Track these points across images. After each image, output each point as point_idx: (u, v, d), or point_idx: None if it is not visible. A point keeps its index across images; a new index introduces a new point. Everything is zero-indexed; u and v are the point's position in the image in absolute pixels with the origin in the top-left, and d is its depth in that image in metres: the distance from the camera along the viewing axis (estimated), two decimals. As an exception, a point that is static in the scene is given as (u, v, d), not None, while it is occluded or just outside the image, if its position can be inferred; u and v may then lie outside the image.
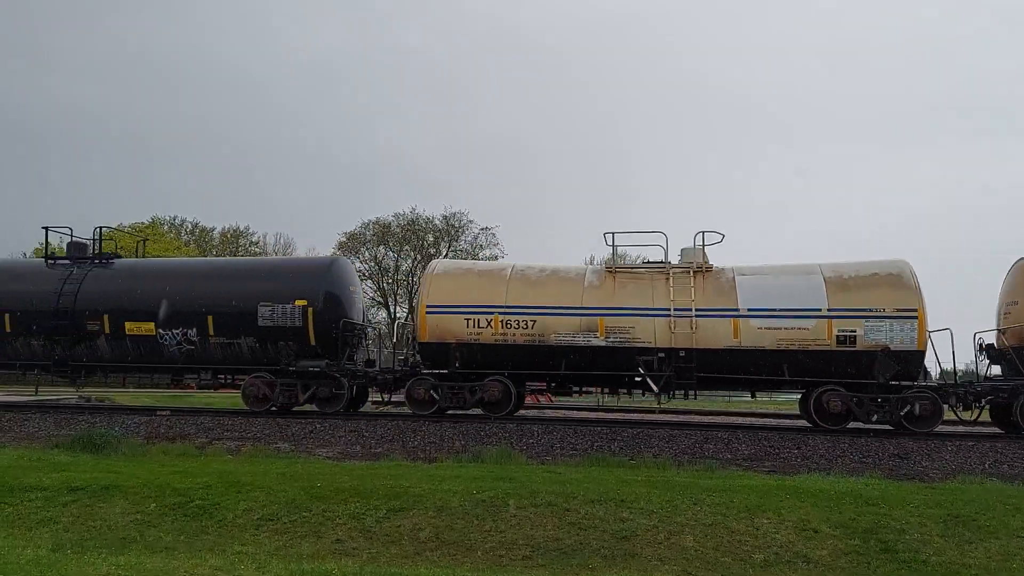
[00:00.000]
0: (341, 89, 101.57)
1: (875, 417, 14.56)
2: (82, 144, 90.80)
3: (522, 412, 19.74)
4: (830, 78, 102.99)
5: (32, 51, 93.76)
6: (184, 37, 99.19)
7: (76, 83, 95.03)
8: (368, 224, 50.27)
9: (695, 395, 16.08)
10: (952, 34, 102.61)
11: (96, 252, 18.56)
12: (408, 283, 48.77)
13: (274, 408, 16.39)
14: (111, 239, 19.92)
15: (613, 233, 15.98)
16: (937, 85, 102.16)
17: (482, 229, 50.26)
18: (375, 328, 18.16)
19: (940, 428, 16.15)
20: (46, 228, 19.03)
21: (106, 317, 16.92)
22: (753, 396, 18.21)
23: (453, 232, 50.31)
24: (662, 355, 14.98)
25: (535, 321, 15.42)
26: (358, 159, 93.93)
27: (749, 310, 14.85)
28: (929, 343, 14.57)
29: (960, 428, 16.01)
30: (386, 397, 17.12)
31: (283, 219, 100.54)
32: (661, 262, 15.92)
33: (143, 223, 48.56)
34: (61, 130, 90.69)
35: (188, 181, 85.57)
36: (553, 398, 23.84)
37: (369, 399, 18.64)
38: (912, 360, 14.46)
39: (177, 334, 16.65)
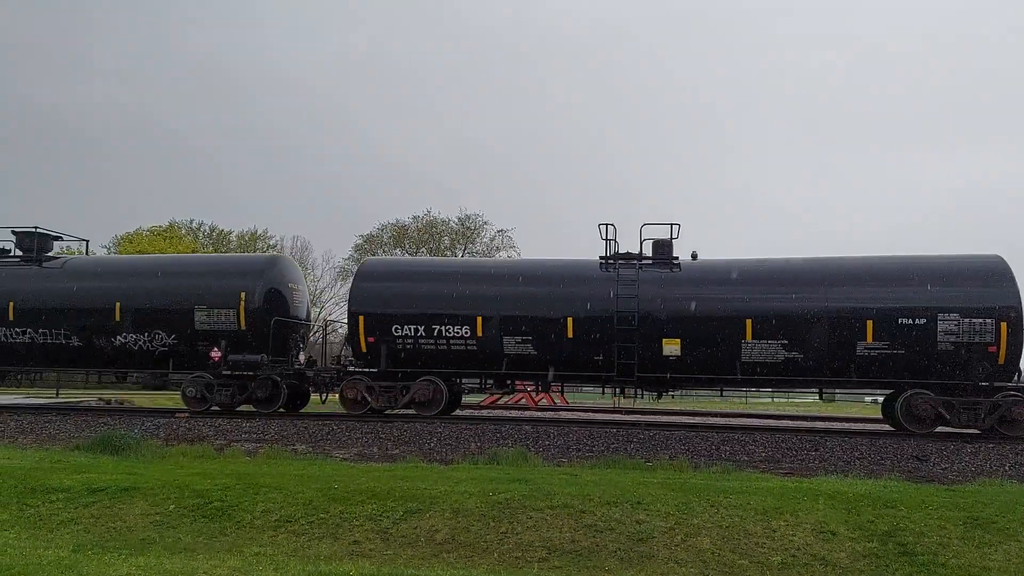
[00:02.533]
0: (350, 93, 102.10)
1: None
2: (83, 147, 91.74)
3: (538, 414, 19.76)
4: (847, 77, 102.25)
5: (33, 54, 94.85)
6: (178, 40, 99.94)
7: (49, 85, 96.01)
8: (385, 227, 50.56)
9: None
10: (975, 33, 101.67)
11: None
12: None
13: None
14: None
15: None
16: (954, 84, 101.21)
17: (498, 231, 50.40)
18: None
19: (960, 430, 15.96)
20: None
21: None
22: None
23: (469, 234, 50.49)
24: None
25: None
26: (368, 163, 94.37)
27: None
28: None
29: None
30: None
31: (296, 222, 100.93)
32: None
33: (160, 226, 48.97)
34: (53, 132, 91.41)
35: (191, 184, 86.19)
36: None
37: None
38: None
39: None
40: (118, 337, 17.01)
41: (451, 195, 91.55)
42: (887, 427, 15.88)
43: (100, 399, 22.48)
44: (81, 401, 21.37)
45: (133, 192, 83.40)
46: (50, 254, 18.68)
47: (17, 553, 7.65)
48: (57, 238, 19.04)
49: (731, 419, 18.89)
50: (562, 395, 24.89)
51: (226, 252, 51.91)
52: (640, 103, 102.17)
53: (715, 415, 20.60)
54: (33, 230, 18.52)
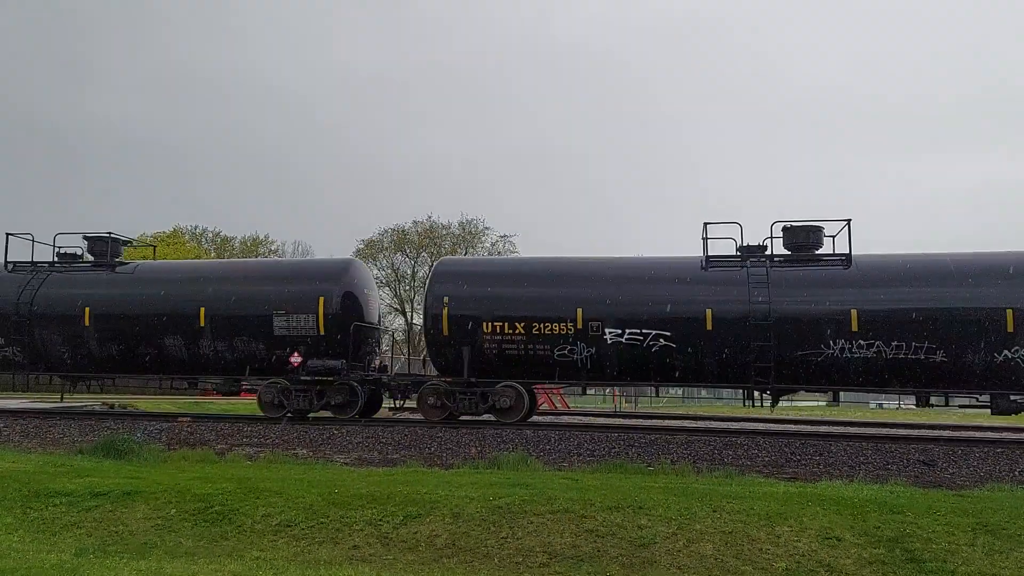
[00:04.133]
0: (347, 102, 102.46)
1: None
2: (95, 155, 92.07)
3: (537, 418, 19.68)
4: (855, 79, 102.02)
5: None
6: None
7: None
8: (386, 232, 50.63)
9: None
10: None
11: None
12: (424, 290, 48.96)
13: None
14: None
15: None
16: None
17: (500, 236, 50.37)
18: None
19: (968, 434, 15.86)
20: None
21: None
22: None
23: (470, 239, 50.47)
24: None
25: None
26: (366, 170, 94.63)
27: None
28: None
29: (989, 435, 15.76)
30: None
31: (300, 227, 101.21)
32: None
33: (164, 232, 49.07)
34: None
35: (202, 190, 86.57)
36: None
37: None
38: None
39: None
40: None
41: (451, 201, 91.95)
42: (893, 431, 15.74)
43: (104, 403, 22.45)
44: (85, 405, 21.37)
45: (133, 200, 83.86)
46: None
47: (20, 556, 7.65)
48: None
49: (733, 423, 18.81)
50: (563, 399, 24.80)
51: (229, 258, 52.06)
52: (638, 107, 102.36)
53: (717, 419, 20.51)
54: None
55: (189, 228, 53.72)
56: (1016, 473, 11.89)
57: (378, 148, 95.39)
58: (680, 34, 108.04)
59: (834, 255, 15.54)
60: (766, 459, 12.91)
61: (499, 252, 49.88)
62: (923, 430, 17.43)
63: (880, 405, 38.97)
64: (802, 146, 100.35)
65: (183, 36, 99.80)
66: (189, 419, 16.70)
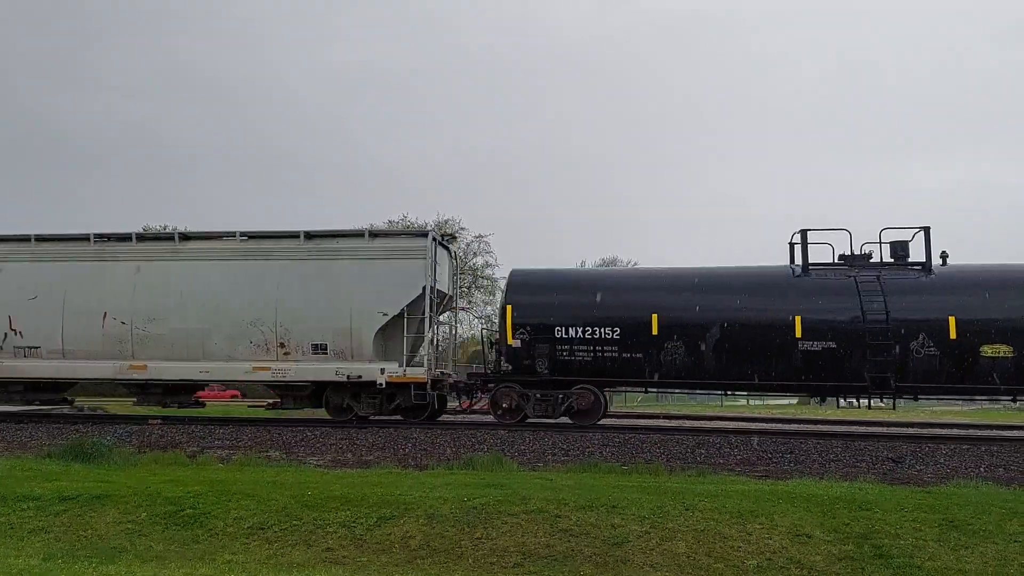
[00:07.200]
0: (341, 103, 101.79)
1: None
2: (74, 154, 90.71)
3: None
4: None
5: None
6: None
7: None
8: (361, 231, 50.29)
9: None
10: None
11: None
12: None
13: None
14: None
15: None
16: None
17: (475, 237, 50.35)
18: None
19: (936, 432, 16.12)
20: None
21: None
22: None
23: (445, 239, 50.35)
24: None
25: None
26: (342, 167, 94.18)
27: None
28: None
29: (955, 432, 16.03)
30: None
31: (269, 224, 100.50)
32: None
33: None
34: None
35: (181, 187, 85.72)
36: None
37: None
38: None
39: None
40: None
41: (432, 200, 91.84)
42: (863, 429, 15.96)
43: (74, 406, 22.06)
44: (53, 408, 21.00)
45: (120, 199, 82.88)
46: None
47: (-14, 562, 7.53)
48: None
49: (707, 422, 18.95)
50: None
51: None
52: (633, 113, 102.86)
53: (692, 418, 20.68)
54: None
55: (159, 228, 53.02)
56: (981, 469, 12.11)
57: (366, 147, 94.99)
58: (676, 32, 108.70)
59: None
60: (738, 457, 13.03)
61: (475, 252, 49.91)
62: (892, 427, 17.68)
63: (851, 403, 39.39)
64: (798, 147, 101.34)
65: (182, 35, 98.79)
66: (159, 421, 16.50)
